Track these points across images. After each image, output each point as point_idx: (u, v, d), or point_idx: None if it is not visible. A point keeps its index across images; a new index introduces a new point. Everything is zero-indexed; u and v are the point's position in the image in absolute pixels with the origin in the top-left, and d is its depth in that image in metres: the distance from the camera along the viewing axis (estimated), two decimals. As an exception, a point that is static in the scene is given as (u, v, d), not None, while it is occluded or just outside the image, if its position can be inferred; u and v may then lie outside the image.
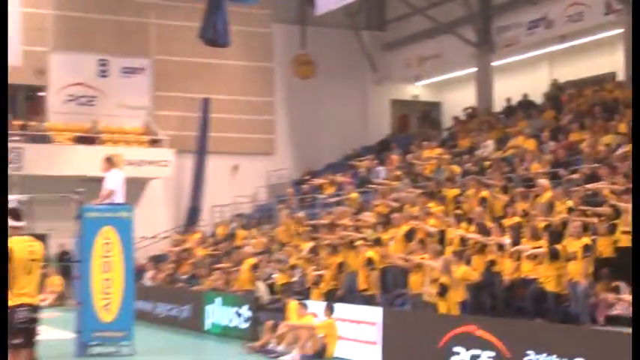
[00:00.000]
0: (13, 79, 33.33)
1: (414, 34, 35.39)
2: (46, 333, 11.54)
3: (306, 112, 36.55)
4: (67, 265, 25.73)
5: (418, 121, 37.49)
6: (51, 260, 28.34)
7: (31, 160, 30.76)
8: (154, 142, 33.67)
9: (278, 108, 36.76)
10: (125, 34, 34.13)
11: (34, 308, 9.97)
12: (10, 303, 9.68)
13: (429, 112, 37.65)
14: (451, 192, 19.67)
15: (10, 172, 30.41)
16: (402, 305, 16.79)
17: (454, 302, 14.74)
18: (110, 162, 17.54)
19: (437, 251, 15.61)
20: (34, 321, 9.97)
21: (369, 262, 17.22)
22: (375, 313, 15.53)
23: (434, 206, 18.51)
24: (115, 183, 17.26)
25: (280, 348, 15.97)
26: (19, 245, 9.85)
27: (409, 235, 17.54)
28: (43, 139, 32.10)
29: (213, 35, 29.77)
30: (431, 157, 25.29)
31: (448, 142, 28.56)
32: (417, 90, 37.78)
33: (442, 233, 17.12)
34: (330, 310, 16.35)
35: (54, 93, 33.65)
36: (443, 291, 14.77)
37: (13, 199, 22.18)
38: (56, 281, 28.88)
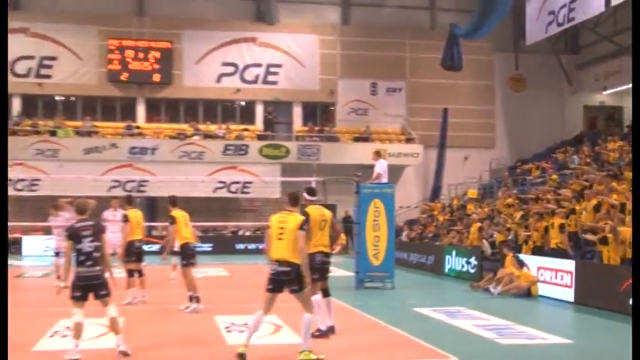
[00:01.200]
0: (312, 98, 35.18)
1: (602, 55, 33.16)
2: (335, 272, 11.87)
3: (519, 116, 35.27)
4: (349, 225, 26.31)
5: (604, 121, 35.28)
6: (338, 222, 29.16)
7: (325, 153, 31.88)
8: (408, 140, 33.72)
9: (497, 114, 35.73)
10: (388, 65, 34.32)
11: (327, 254, 10.17)
12: (310, 251, 9.92)
13: (613, 114, 35.28)
14: (630, 174, 18.26)
15: (311, 161, 31.85)
16: (591, 259, 15.83)
17: (615, 254, 13.79)
18: (378, 154, 17.69)
19: (620, 219, 14.56)
20: (326, 263, 10.18)
21: (563, 226, 16.40)
22: (569, 264, 14.77)
23: (617, 185, 17.25)
24: (381, 169, 17.36)
25: (498, 288, 15.53)
26: (313, 211, 10.09)
27: (597, 207, 16.49)
28: (333, 139, 33.02)
29: (451, 63, 29.50)
30: (614, 148, 23.71)
31: (628, 137, 26.52)
32: (604, 97, 35.40)
33: (623, 205, 15.91)
34: (520, 263, 15.76)
35: (340, 107, 34.55)
36: (603, 240, 14.02)
37: (312, 180, 22.98)
38: (342, 237, 29.70)
